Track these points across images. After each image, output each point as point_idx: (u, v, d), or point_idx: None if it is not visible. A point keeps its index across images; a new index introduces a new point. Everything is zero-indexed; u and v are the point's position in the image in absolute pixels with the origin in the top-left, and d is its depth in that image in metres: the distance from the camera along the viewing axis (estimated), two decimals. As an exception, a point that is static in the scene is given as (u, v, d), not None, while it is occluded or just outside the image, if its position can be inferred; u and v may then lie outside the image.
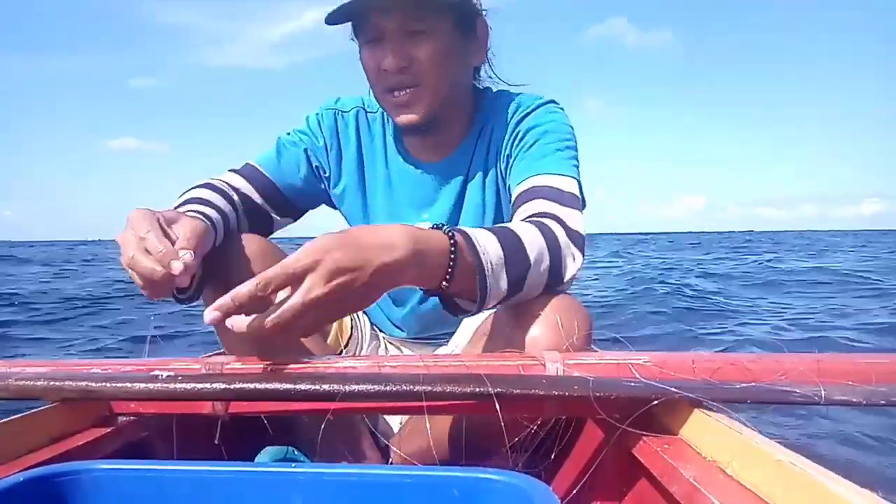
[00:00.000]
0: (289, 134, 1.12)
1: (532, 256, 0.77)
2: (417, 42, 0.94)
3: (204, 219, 0.84)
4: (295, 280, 0.62)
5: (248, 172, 1.06)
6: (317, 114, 1.12)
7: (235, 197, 1.01)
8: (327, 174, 1.11)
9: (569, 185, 0.92)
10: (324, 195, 1.14)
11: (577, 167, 0.97)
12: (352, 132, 1.10)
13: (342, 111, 1.11)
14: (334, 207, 1.15)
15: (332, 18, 0.94)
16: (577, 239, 0.84)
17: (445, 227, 0.73)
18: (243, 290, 0.62)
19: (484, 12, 1.02)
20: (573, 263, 0.82)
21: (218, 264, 0.87)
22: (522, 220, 0.84)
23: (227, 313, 0.63)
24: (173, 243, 0.71)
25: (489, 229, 0.77)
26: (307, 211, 1.16)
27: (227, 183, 1.02)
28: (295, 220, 1.15)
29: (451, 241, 0.71)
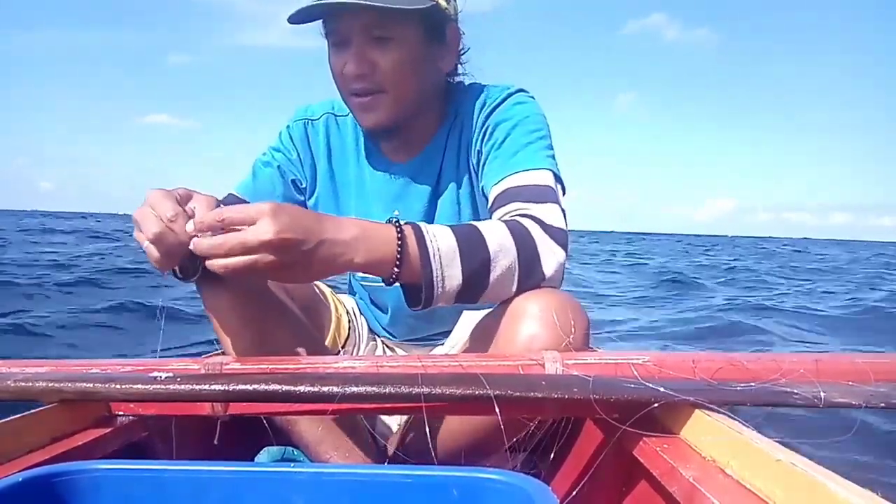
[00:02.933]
0: (264, 154, 1.13)
1: (492, 249, 0.77)
2: (382, 49, 0.93)
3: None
4: (249, 221, 0.69)
5: (231, 202, 1.06)
6: (287, 126, 1.12)
7: None
8: (304, 185, 1.11)
9: (544, 179, 0.91)
10: (303, 206, 1.13)
11: (552, 156, 0.96)
12: (321, 140, 1.10)
13: (311, 119, 1.11)
14: None
15: (296, 18, 0.92)
16: (557, 234, 0.84)
17: (395, 219, 0.77)
18: (206, 217, 0.71)
19: (454, 19, 1.00)
20: (553, 258, 0.82)
21: None
22: (499, 219, 0.85)
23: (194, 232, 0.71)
24: (191, 216, 0.74)
25: (449, 225, 0.80)
26: None
27: None
28: None
29: (398, 231, 0.75)
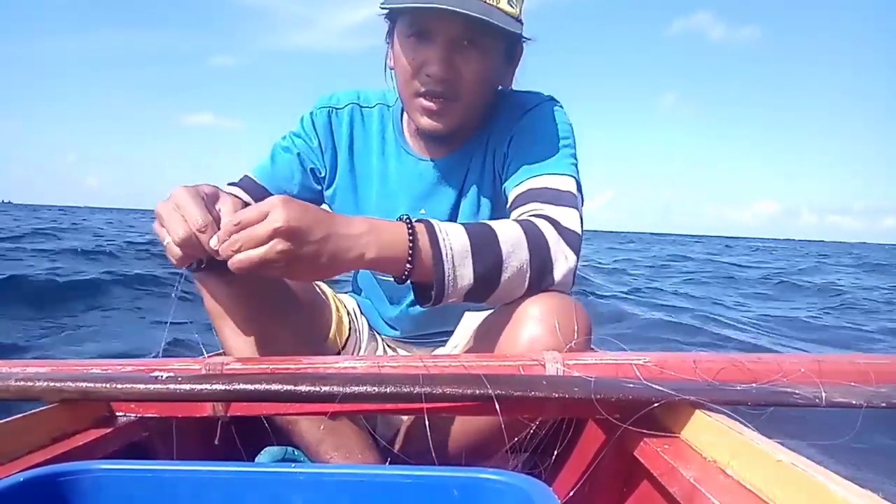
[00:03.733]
0: (284, 139, 1.11)
1: (504, 249, 0.77)
2: (468, 57, 0.92)
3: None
4: (261, 217, 0.69)
5: (246, 184, 1.06)
6: (311, 113, 1.10)
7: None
8: (323, 174, 1.10)
9: (565, 184, 0.91)
10: (320, 196, 1.13)
11: (575, 165, 0.96)
12: (345, 130, 1.09)
13: (336, 108, 1.10)
14: (330, 208, 1.15)
15: (390, 3, 0.90)
16: (571, 238, 0.83)
17: (407, 217, 0.77)
18: (225, 229, 0.71)
19: (526, 40, 1.01)
20: (565, 262, 0.82)
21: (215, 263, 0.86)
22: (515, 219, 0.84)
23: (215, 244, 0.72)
24: (217, 220, 0.75)
25: (463, 224, 0.79)
26: None
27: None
28: None
29: (410, 228, 0.75)
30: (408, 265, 0.74)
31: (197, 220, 0.72)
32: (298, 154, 1.08)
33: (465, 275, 0.76)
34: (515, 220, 0.83)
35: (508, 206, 0.94)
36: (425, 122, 0.97)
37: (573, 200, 0.89)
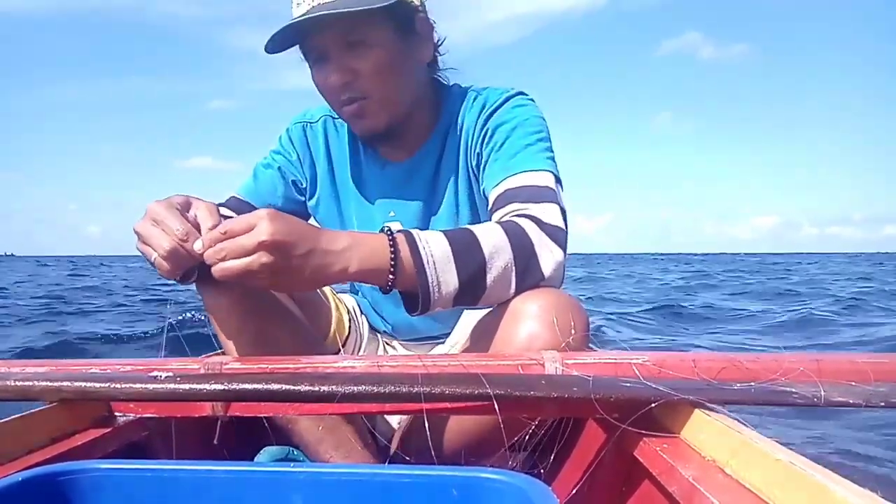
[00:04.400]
0: (264, 157, 1.14)
1: (487, 252, 0.78)
2: (359, 54, 0.93)
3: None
4: (248, 228, 0.70)
5: (233, 204, 1.09)
6: (287, 129, 1.13)
7: None
8: (304, 186, 1.13)
9: (543, 180, 0.91)
10: (304, 207, 1.15)
11: (552, 158, 0.96)
12: (321, 141, 1.11)
13: (310, 122, 1.12)
14: (314, 219, 1.16)
15: (272, 47, 0.93)
16: (555, 232, 0.84)
17: (388, 229, 0.79)
18: (212, 234, 0.73)
19: (420, 10, 1.00)
20: (550, 257, 0.82)
21: None
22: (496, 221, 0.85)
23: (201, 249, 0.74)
24: (196, 226, 0.76)
25: (443, 231, 0.80)
26: None
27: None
28: None
29: (391, 240, 0.76)
30: (390, 276, 0.76)
31: (177, 230, 0.74)
32: (279, 168, 1.11)
33: (449, 281, 0.77)
34: (497, 223, 0.84)
35: (489, 208, 0.94)
36: (356, 127, 1.00)
37: (553, 195, 0.90)
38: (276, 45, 0.93)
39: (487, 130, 1.00)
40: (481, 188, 1.00)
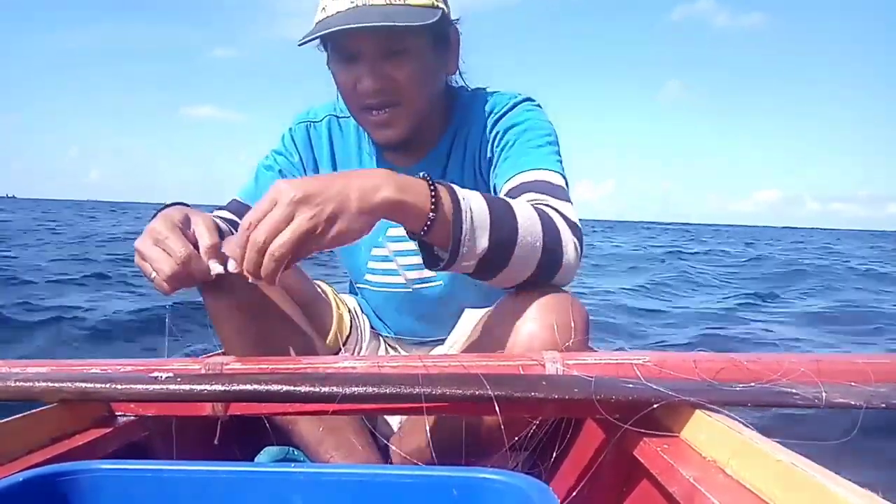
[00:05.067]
0: (266, 158, 1.13)
1: (521, 223, 0.75)
2: (396, 63, 0.92)
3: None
4: (268, 208, 0.67)
5: (234, 208, 1.08)
6: (290, 129, 1.12)
7: (231, 229, 1.01)
8: None
9: (557, 180, 0.91)
10: None
11: (561, 163, 0.96)
12: (325, 142, 1.10)
13: (314, 122, 1.11)
14: None
15: (302, 39, 0.91)
16: (576, 229, 0.82)
17: (425, 174, 0.74)
18: (238, 245, 0.69)
19: (456, 20, 1.00)
20: (574, 252, 0.80)
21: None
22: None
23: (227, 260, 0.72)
24: (194, 244, 0.76)
25: (481, 194, 0.76)
26: None
27: (220, 218, 1.02)
28: None
29: (431, 186, 0.72)
30: (430, 215, 0.70)
31: (179, 253, 0.73)
32: (280, 171, 1.10)
33: (480, 240, 0.73)
34: (526, 202, 0.81)
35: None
36: (378, 135, 0.98)
37: (567, 195, 0.89)
38: (304, 37, 0.91)
39: (497, 133, 0.99)
40: (491, 186, 0.99)
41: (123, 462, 0.46)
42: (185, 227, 0.77)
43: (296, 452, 0.91)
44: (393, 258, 1.10)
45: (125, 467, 0.46)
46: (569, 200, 0.88)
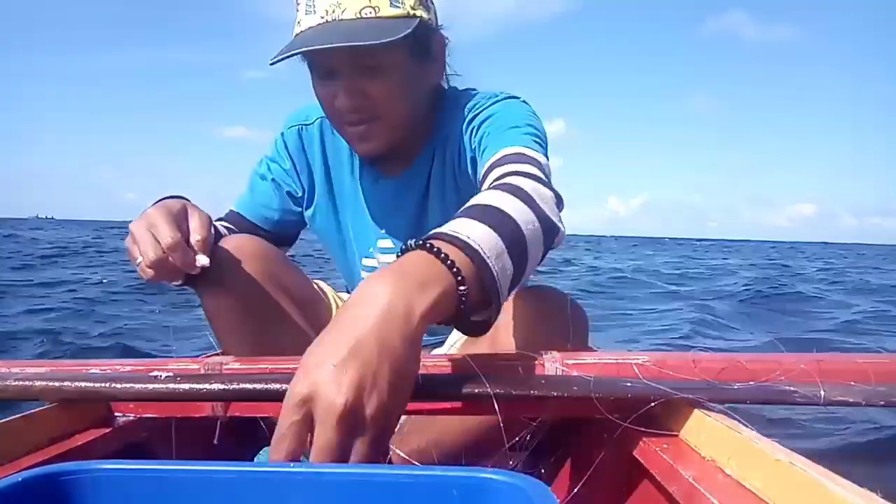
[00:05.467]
0: (259, 164, 1.12)
1: (517, 218, 0.66)
2: (372, 78, 0.90)
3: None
4: (299, 411, 0.49)
5: (231, 218, 1.09)
6: (282, 133, 1.11)
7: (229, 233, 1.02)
8: (300, 195, 1.10)
9: (529, 152, 0.84)
10: (301, 218, 1.13)
11: (539, 143, 0.89)
12: (317, 146, 1.09)
13: (305, 125, 1.09)
14: (312, 228, 1.15)
15: (272, 59, 0.88)
16: (549, 185, 0.77)
17: (413, 242, 0.59)
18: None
19: (438, 28, 0.97)
20: (557, 207, 0.75)
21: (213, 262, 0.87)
22: (487, 189, 0.74)
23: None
24: (187, 236, 0.77)
25: (465, 216, 0.64)
26: (297, 235, 1.17)
27: (220, 227, 1.03)
28: (290, 247, 1.17)
29: (429, 250, 0.57)
30: (461, 288, 0.56)
31: (168, 238, 0.74)
32: (273, 179, 1.10)
33: (506, 268, 0.62)
34: (494, 188, 0.72)
35: (480, 180, 0.87)
36: (358, 148, 0.98)
37: (537, 162, 0.82)
38: (274, 58, 0.88)
39: (474, 128, 0.96)
40: (477, 182, 0.94)
41: (123, 462, 0.46)
42: (180, 219, 0.77)
43: (295, 452, 0.91)
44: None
45: (125, 467, 0.46)
46: (538, 163, 0.81)
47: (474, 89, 1.05)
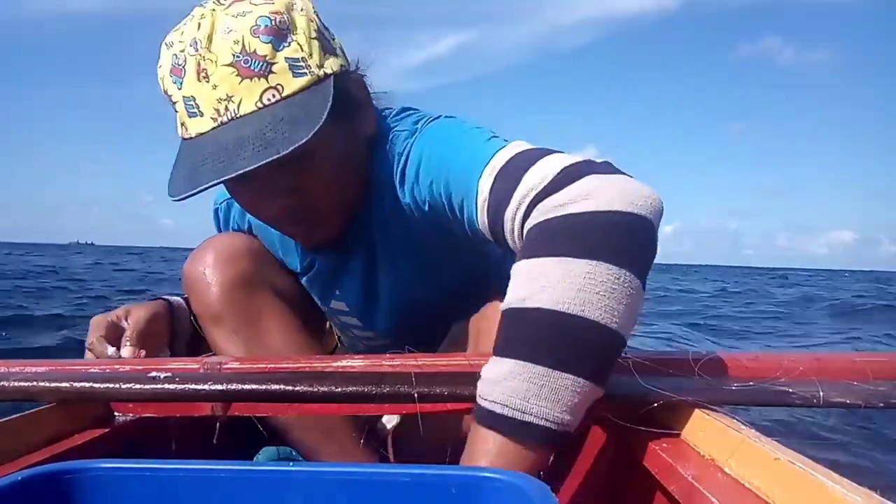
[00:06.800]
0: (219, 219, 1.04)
1: (565, 303, 0.54)
2: (296, 170, 0.72)
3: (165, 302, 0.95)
4: None
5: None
6: (215, 209, 1.03)
7: None
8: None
9: (517, 147, 0.68)
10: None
11: (497, 138, 0.73)
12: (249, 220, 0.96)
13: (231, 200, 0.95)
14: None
15: (173, 198, 0.69)
16: (610, 165, 0.61)
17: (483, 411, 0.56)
18: None
19: (352, 73, 0.79)
20: (639, 190, 0.58)
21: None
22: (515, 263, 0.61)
23: None
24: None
25: (495, 354, 0.58)
26: None
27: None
28: None
29: (487, 421, 0.55)
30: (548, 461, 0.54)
31: (104, 356, 0.81)
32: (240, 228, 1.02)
33: (557, 386, 0.54)
34: (525, 260, 0.59)
35: (491, 236, 0.70)
36: (306, 243, 0.86)
37: (539, 152, 0.66)
38: (173, 196, 0.69)
39: (412, 183, 0.76)
40: (466, 229, 0.75)
41: (122, 461, 0.46)
42: (117, 326, 0.86)
43: (294, 452, 0.91)
44: (342, 326, 1.03)
45: (124, 466, 0.46)
46: (548, 152, 0.65)
47: (392, 112, 0.85)
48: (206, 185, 0.66)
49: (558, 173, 0.60)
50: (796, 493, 0.45)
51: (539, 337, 0.54)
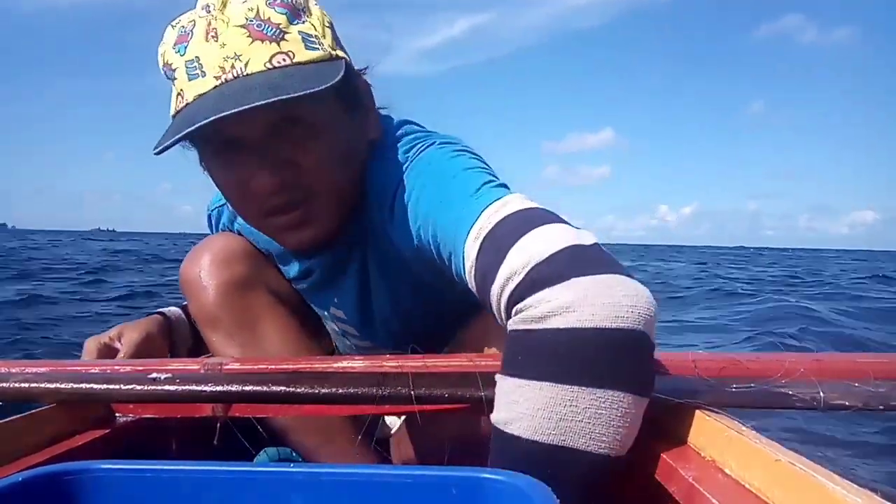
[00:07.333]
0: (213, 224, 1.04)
1: (581, 441, 0.52)
2: (297, 142, 0.68)
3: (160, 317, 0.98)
4: None
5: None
6: (208, 215, 1.02)
7: None
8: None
9: (506, 207, 0.62)
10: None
11: (497, 185, 0.68)
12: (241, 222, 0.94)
13: (224, 205, 0.97)
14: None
15: (160, 145, 0.64)
16: (599, 252, 0.55)
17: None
18: None
19: (362, 72, 0.78)
20: (632, 290, 0.53)
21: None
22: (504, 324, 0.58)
23: None
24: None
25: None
26: None
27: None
28: None
29: None
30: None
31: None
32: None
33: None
34: (507, 373, 0.56)
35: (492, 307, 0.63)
36: (292, 240, 0.76)
37: (541, 216, 0.60)
38: (163, 142, 0.64)
39: (408, 211, 0.71)
40: (457, 280, 0.70)
41: (123, 462, 0.46)
42: (111, 347, 0.90)
43: (294, 453, 0.91)
44: (341, 333, 1.00)
45: (125, 467, 0.46)
46: (551, 221, 0.59)
47: (392, 123, 0.81)
48: (201, 122, 0.60)
49: (542, 261, 0.54)
50: (797, 495, 0.45)
51: (519, 466, 0.47)
